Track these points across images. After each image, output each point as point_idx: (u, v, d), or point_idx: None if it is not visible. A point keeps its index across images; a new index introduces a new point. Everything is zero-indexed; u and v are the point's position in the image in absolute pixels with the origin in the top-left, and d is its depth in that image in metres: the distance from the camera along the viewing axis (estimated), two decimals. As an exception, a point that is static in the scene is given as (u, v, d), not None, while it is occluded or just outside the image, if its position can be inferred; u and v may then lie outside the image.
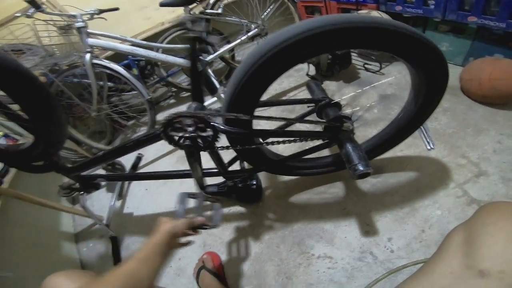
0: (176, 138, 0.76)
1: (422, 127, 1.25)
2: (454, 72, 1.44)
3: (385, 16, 1.65)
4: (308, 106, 0.93)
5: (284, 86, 1.87)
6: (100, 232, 1.33)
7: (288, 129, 0.97)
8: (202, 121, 0.71)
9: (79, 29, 1.38)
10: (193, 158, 0.85)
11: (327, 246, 0.99)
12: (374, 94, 1.56)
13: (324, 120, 0.83)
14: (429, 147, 1.18)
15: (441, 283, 0.42)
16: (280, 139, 0.81)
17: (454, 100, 1.37)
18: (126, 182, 1.54)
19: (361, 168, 0.72)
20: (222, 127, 0.73)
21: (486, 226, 0.44)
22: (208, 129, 0.73)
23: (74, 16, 1.37)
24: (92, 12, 1.41)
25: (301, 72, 1.94)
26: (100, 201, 1.50)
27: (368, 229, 0.99)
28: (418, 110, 0.86)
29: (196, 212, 0.87)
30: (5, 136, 1.29)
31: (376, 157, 1.11)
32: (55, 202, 1.29)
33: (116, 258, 1.19)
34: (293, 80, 1.91)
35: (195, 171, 0.90)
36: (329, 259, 0.96)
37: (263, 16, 1.78)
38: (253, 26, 1.76)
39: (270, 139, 0.86)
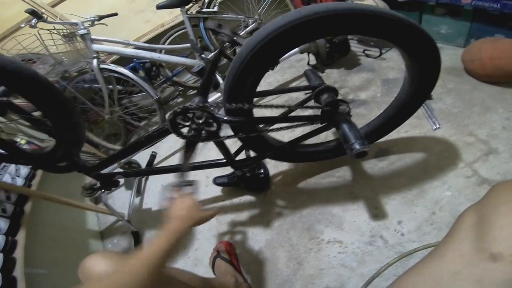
0: (183, 130, 0.76)
1: (425, 107, 1.16)
2: (457, 54, 1.34)
3: (380, 2, 1.53)
4: (306, 93, 0.91)
5: (286, 77, 1.80)
6: (122, 228, 1.32)
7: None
8: (207, 113, 0.70)
9: (82, 36, 1.33)
10: (190, 149, 0.84)
11: (337, 231, 0.94)
12: (377, 79, 1.47)
13: (320, 105, 0.82)
14: (435, 127, 1.09)
15: (451, 267, 0.37)
16: (280, 125, 0.80)
17: (458, 80, 1.27)
18: (143, 180, 1.52)
19: (357, 146, 0.70)
20: (223, 117, 0.72)
21: (498, 207, 0.38)
22: (211, 120, 0.72)
23: (75, 24, 1.31)
24: (92, 18, 1.36)
25: (302, 62, 1.85)
26: (121, 199, 1.49)
27: (377, 213, 0.92)
28: (415, 91, 0.83)
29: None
30: (28, 143, 1.29)
31: (381, 139, 1.04)
32: (80, 202, 1.31)
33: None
34: (295, 70, 1.82)
35: (184, 162, 0.89)
36: (339, 244, 0.90)
37: (259, 10, 1.70)
38: (250, 21, 1.69)
39: (271, 126, 0.85)
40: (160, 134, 0.86)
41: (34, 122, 0.95)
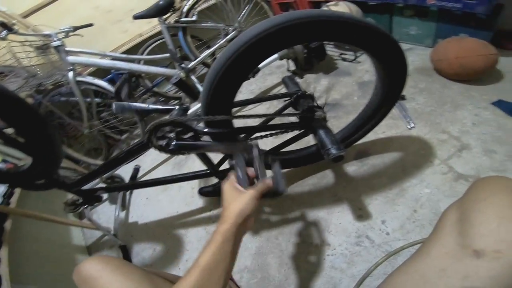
0: (162, 144, 0.72)
1: (400, 107, 1.20)
2: (426, 54, 1.39)
3: (353, 7, 1.57)
4: (284, 100, 0.91)
5: (268, 84, 1.80)
6: (109, 242, 1.27)
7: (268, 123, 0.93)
8: (181, 126, 0.68)
9: (56, 47, 1.27)
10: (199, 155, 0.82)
11: (324, 234, 0.93)
12: (353, 82, 1.49)
13: (297, 112, 0.82)
14: (409, 126, 1.12)
15: (437, 264, 0.38)
16: (260, 134, 0.79)
17: (429, 80, 1.31)
18: (128, 193, 1.47)
19: (333, 151, 0.71)
20: (202, 129, 0.71)
21: (478, 203, 0.39)
22: (190, 132, 0.70)
23: (49, 36, 1.25)
24: (67, 30, 1.30)
25: (282, 68, 1.86)
26: (106, 214, 1.44)
27: (361, 213, 0.93)
28: (386, 93, 0.85)
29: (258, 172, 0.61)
30: (4, 161, 1.20)
31: (359, 141, 1.05)
32: (63, 218, 1.26)
33: (127, 265, 1.14)
34: (276, 76, 1.83)
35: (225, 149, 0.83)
36: (327, 246, 0.90)
37: (239, 18, 1.69)
38: (230, 29, 1.68)
39: (252, 135, 0.84)
40: (139, 149, 0.83)
41: (7, 140, 0.89)
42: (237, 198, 0.52)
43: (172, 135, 0.69)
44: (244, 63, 0.61)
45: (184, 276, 0.45)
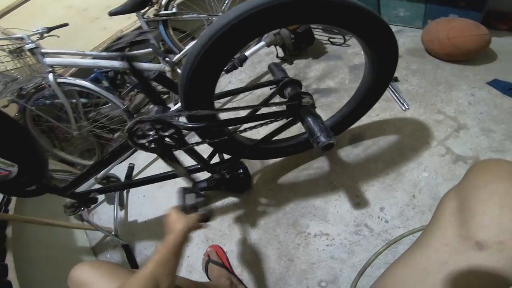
0: (144, 143, 0.66)
1: (393, 89, 1.12)
2: (417, 35, 1.31)
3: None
4: (271, 88, 0.83)
5: (258, 72, 1.70)
6: (113, 242, 1.23)
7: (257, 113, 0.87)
8: (162, 123, 0.62)
9: (31, 50, 1.15)
10: (167, 159, 0.75)
11: (322, 223, 0.88)
12: (344, 66, 1.40)
13: (284, 100, 0.76)
14: (404, 108, 1.05)
15: (438, 257, 0.34)
16: (249, 125, 0.73)
17: (421, 61, 1.23)
18: (125, 192, 1.40)
19: (323, 139, 0.64)
20: (184, 125, 0.65)
21: (478, 190, 0.34)
22: (171, 129, 0.64)
23: (21, 38, 1.14)
24: (40, 31, 1.18)
25: (271, 55, 1.75)
26: (106, 214, 1.38)
27: (359, 201, 0.87)
28: (377, 75, 0.79)
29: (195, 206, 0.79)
30: (-4, 169, 1.13)
31: (353, 125, 0.99)
32: (65, 220, 1.22)
33: (133, 264, 1.11)
34: (265, 64, 1.72)
35: (177, 170, 0.82)
36: (326, 236, 0.85)
37: (223, 7, 1.56)
38: (214, 18, 1.55)
39: (238, 128, 0.80)
40: (123, 149, 0.77)
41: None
42: (184, 218, 0.65)
43: (153, 133, 0.61)
44: (220, 50, 0.53)
45: (142, 267, 0.52)
